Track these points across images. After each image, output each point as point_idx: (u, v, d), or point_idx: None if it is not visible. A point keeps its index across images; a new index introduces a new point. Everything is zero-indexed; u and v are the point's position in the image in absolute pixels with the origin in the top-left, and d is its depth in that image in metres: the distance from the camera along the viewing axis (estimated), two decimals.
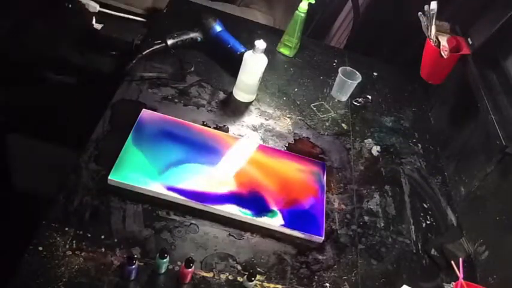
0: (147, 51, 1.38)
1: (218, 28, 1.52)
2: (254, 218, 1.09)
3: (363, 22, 2.24)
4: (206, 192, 1.10)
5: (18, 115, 1.59)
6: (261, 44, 1.33)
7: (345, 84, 1.55)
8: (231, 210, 1.08)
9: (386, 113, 1.63)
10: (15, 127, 1.61)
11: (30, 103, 1.57)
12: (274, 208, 1.13)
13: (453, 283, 1.13)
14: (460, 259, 1.12)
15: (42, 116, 1.60)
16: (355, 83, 1.55)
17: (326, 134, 1.44)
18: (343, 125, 1.50)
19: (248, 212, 1.09)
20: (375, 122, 1.57)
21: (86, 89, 1.63)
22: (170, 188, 1.08)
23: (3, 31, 1.37)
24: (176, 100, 1.35)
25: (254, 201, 1.13)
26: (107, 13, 1.69)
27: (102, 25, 1.66)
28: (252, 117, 1.40)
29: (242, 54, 1.40)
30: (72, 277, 0.88)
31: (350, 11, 2.31)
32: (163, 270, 0.93)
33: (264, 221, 1.09)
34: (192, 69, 1.44)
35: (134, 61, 1.34)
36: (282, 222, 1.10)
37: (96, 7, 1.64)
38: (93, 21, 1.65)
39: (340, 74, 1.55)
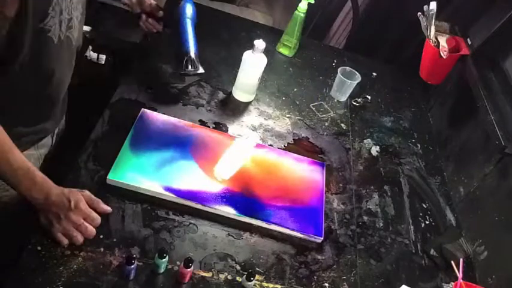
0: None
1: (188, 15, 1.27)
2: (251, 219, 1.09)
3: (362, 22, 2.25)
4: (203, 192, 1.10)
5: None
6: (260, 43, 1.33)
7: (344, 84, 1.55)
8: (227, 211, 1.08)
9: (386, 113, 1.63)
10: None
11: None
12: (272, 209, 1.13)
13: (452, 283, 1.13)
14: (461, 259, 1.12)
15: None
16: (355, 83, 1.55)
17: (325, 134, 1.44)
18: (343, 125, 1.50)
19: (243, 215, 1.09)
20: (374, 122, 1.57)
21: (85, 88, 1.63)
22: (167, 189, 1.07)
23: None
24: (176, 100, 1.35)
25: (251, 202, 1.12)
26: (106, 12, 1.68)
27: (101, 55, 1.62)
28: (251, 117, 1.40)
29: (188, 54, 1.23)
30: (70, 277, 0.88)
31: (349, 11, 2.31)
32: (162, 270, 0.93)
33: (261, 222, 1.09)
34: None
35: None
36: (279, 222, 1.10)
37: (86, 29, 1.58)
38: (88, 51, 1.61)
39: (339, 74, 1.55)
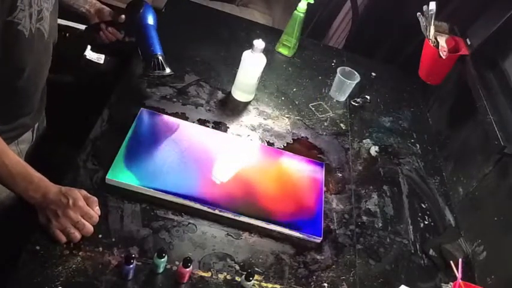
0: None
1: (150, 20, 1.27)
2: (250, 219, 1.09)
3: (361, 22, 2.24)
4: (202, 196, 1.10)
5: None
6: (259, 43, 1.33)
7: (344, 84, 1.55)
8: (226, 213, 1.08)
9: (385, 113, 1.63)
10: None
11: None
12: (271, 209, 1.13)
13: (451, 283, 1.13)
14: (460, 259, 1.12)
15: None
16: (354, 83, 1.55)
17: (324, 134, 1.44)
18: (342, 125, 1.50)
19: (242, 215, 1.09)
20: (373, 122, 1.57)
21: (84, 88, 1.63)
22: (166, 191, 1.07)
23: None
24: (175, 99, 1.35)
25: (250, 203, 1.12)
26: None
27: (100, 55, 1.62)
28: (250, 117, 1.40)
29: (155, 56, 1.22)
30: (69, 276, 0.88)
31: (349, 11, 2.31)
32: (161, 270, 0.93)
33: (261, 222, 1.09)
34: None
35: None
36: (279, 222, 1.10)
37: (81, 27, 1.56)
38: (87, 51, 1.61)
39: (338, 74, 1.55)
